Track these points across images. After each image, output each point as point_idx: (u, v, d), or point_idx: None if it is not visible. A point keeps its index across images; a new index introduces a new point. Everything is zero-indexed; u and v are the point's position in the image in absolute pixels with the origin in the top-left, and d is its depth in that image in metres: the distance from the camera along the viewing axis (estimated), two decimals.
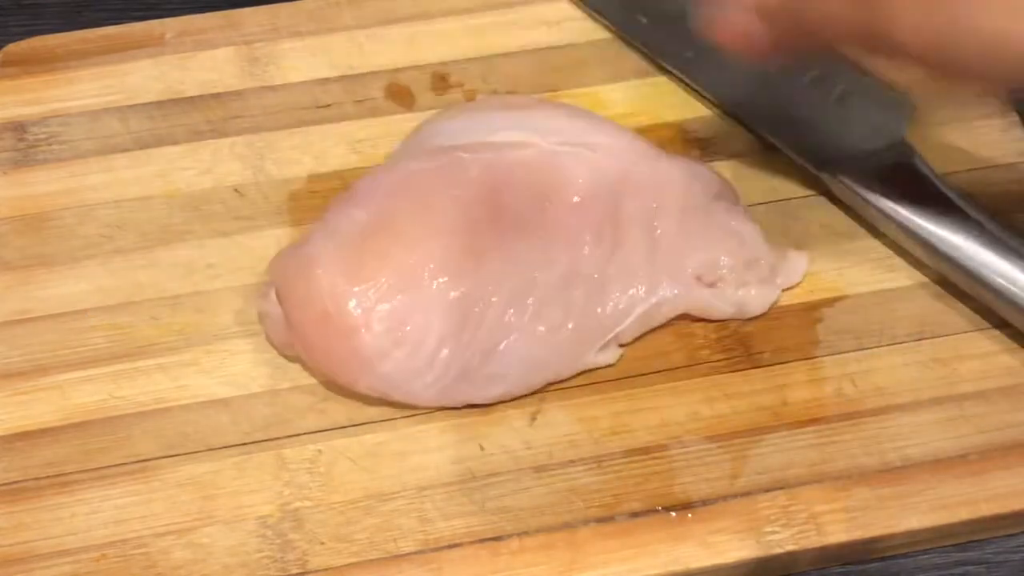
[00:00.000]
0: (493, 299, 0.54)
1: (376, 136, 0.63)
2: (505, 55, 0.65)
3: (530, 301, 0.54)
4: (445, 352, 0.53)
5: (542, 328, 0.54)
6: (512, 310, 0.54)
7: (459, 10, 0.67)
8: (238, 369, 0.56)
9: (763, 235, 0.58)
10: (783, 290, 0.58)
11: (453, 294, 0.53)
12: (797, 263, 0.58)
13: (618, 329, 0.55)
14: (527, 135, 0.58)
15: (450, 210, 0.55)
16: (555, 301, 0.55)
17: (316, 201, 0.61)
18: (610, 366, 0.55)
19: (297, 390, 0.55)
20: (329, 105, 0.64)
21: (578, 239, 0.56)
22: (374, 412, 0.55)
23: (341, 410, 0.55)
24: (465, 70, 0.65)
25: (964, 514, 0.52)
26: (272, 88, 0.64)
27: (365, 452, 0.54)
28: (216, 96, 0.64)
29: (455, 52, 0.65)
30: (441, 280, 0.53)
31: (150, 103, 0.64)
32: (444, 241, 0.54)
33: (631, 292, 0.56)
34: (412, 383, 0.53)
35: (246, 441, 0.54)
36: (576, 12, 0.67)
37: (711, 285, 0.57)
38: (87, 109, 0.64)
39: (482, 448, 0.54)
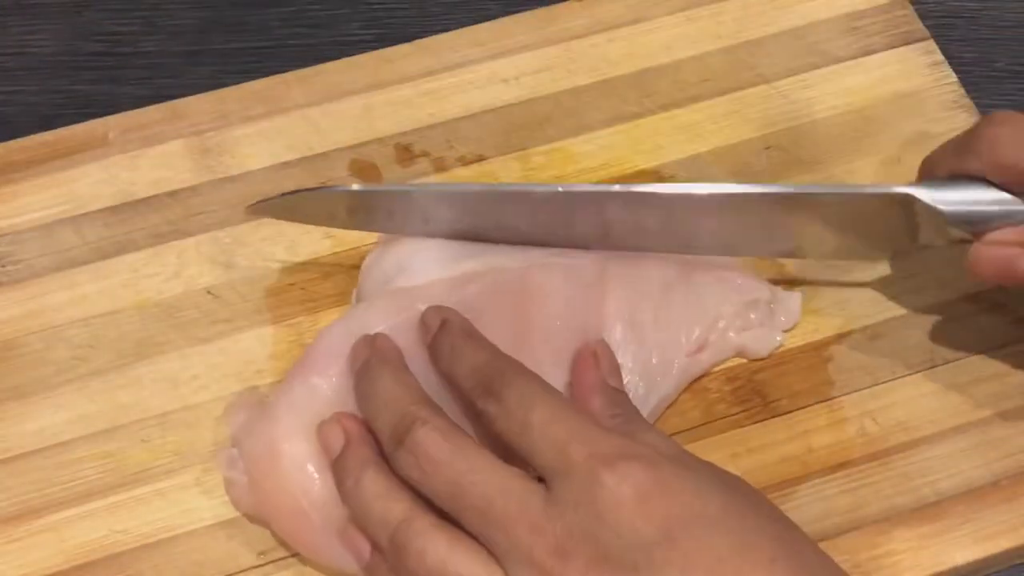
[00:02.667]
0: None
1: None
2: (467, 118, 0.63)
3: None
4: None
5: None
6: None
7: (412, 76, 0.64)
8: None
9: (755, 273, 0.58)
10: (785, 331, 0.57)
11: None
12: (791, 302, 0.57)
13: None
14: (490, 260, 0.55)
15: (421, 371, 0.51)
16: None
17: (295, 294, 0.58)
18: None
19: None
20: (293, 190, 0.61)
21: (568, 355, 0.53)
22: None
23: None
24: (428, 138, 0.63)
25: (1006, 543, 0.52)
26: (230, 179, 0.61)
27: None
28: (172, 194, 0.61)
29: (415, 120, 0.63)
30: None
31: (104, 209, 0.61)
32: None
33: (630, 395, 0.53)
34: None
35: (263, 562, 0.52)
36: (533, 66, 0.65)
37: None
38: (38, 223, 0.60)
39: None
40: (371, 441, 0.49)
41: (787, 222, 0.54)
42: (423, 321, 0.52)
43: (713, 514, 0.43)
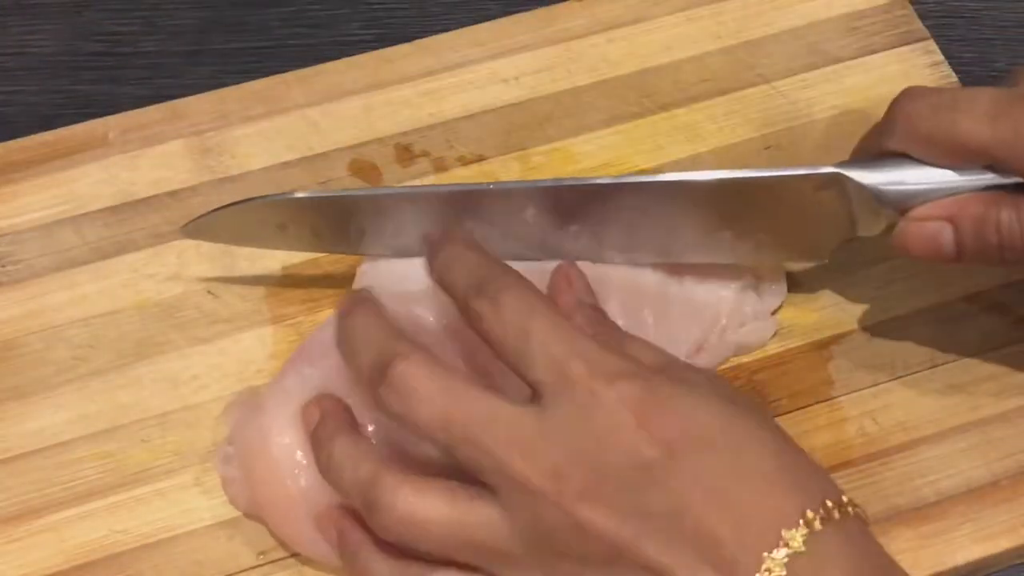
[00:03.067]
0: None
1: None
2: (466, 118, 0.63)
3: None
4: None
5: None
6: None
7: (412, 76, 0.64)
8: None
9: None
10: (773, 312, 0.57)
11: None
12: (775, 281, 0.57)
13: None
14: None
15: None
16: None
17: (295, 294, 0.58)
18: None
19: None
20: (294, 190, 0.61)
21: None
22: None
23: None
24: (428, 138, 0.63)
25: (1006, 543, 0.52)
26: (230, 179, 0.61)
27: None
28: (172, 194, 0.61)
29: (415, 120, 0.63)
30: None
31: (104, 209, 0.60)
32: None
33: None
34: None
35: (263, 562, 0.52)
36: (533, 66, 0.65)
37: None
38: (37, 223, 0.60)
39: None
40: (345, 413, 0.49)
41: (717, 215, 0.53)
42: (427, 240, 0.50)
43: (713, 434, 0.43)
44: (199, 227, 0.56)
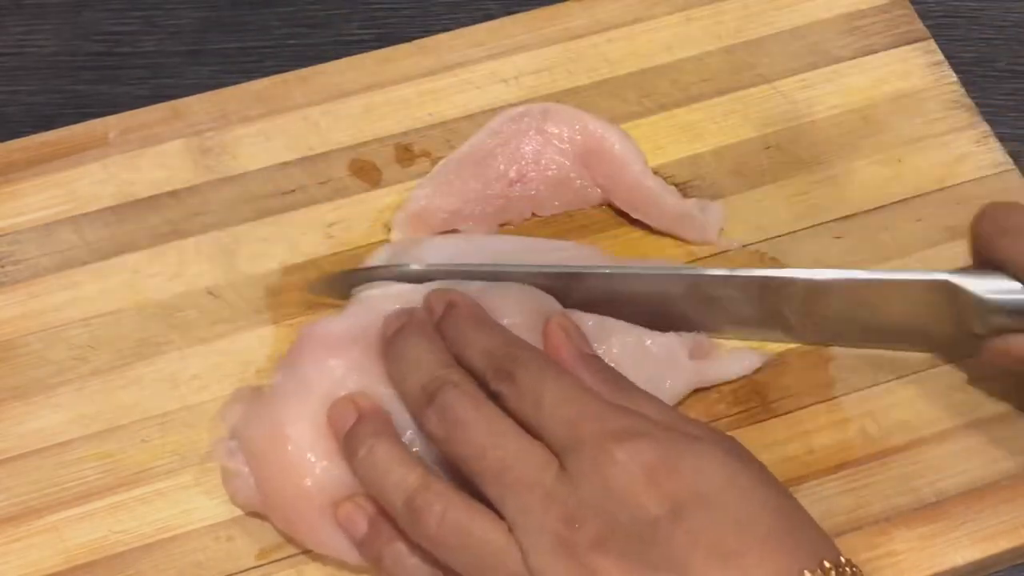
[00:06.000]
0: None
1: (348, 217, 0.60)
2: (466, 117, 0.63)
3: None
4: None
5: None
6: None
7: (412, 76, 0.64)
8: None
9: None
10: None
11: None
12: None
13: None
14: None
15: None
16: None
17: (295, 295, 0.58)
18: None
19: None
20: (293, 190, 0.61)
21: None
22: None
23: None
24: (427, 137, 0.63)
25: (1006, 543, 0.52)
26: (230, 179, 0.61)
27: None
28: (172, 194, 0.61)
29: (414, 120, 0.63)
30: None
31: (104, 209, 0.60)
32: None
33: None
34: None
35: (263, 562, 0.52)
36: (533, 66, 0.65)
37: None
38: (38, 223, 0.60)
39: None
40: (384, 416, 0.50)
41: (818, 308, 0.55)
42: (427, 304, 0.52)
43: (716, 491, 0.44)
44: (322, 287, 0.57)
